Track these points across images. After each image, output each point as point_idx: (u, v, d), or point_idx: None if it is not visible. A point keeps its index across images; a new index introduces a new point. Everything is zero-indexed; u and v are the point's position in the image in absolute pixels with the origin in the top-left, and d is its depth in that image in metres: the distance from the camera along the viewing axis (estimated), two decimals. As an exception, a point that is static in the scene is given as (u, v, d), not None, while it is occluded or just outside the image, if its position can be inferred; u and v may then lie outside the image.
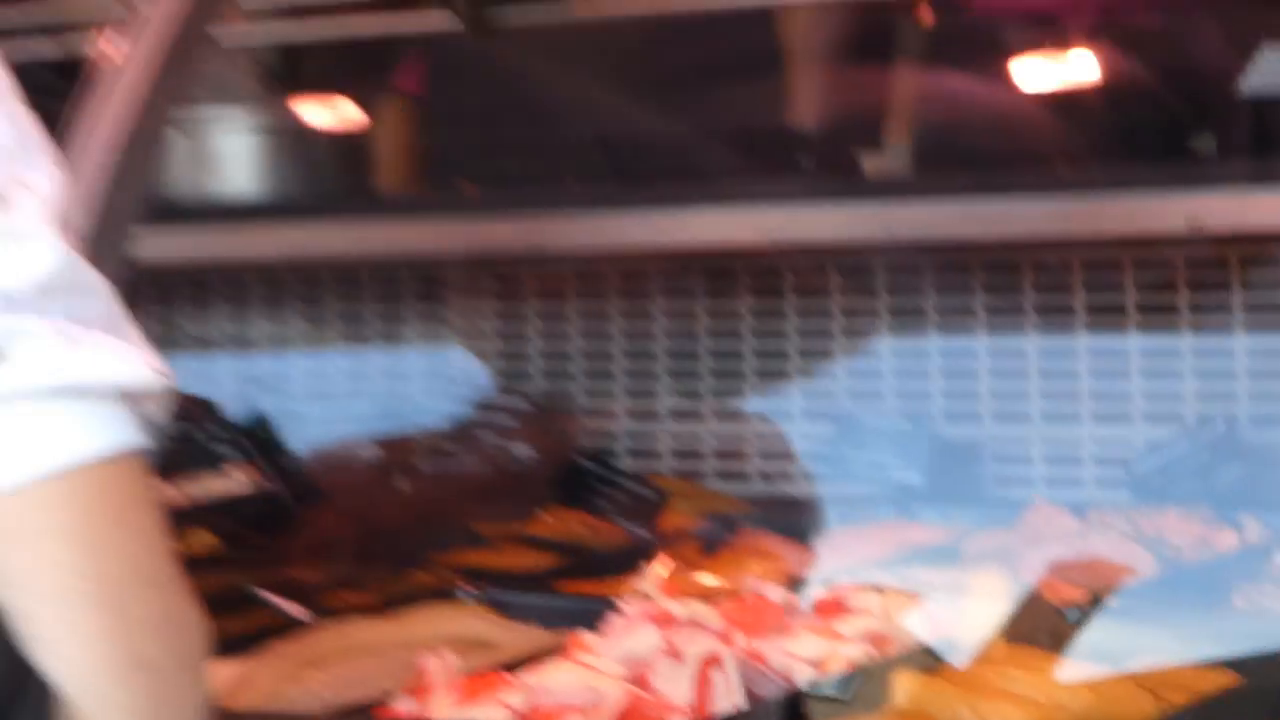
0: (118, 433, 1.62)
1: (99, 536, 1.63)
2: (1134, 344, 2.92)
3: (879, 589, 2.52)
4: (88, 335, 1.62)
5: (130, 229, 2.18)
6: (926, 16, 3.29)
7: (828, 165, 3.12)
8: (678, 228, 2.95)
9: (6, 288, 1.60)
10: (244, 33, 3.00)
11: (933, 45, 3.30)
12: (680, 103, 3.17)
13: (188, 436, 3.20)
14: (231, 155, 3.21)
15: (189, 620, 1.68)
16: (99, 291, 1.66)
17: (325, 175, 3.26)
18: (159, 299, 3.35)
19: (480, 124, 3.30)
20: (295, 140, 3.21)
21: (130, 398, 1.63)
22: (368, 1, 3.04)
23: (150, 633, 1.64)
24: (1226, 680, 2.24)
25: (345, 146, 3.27)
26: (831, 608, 2.47)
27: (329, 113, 3.22)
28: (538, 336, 3.22)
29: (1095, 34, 3.34)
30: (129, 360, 1.64)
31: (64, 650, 1.63)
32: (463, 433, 3.20)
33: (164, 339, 2.54)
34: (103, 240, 2.32)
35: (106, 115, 2.34)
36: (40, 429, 1.60)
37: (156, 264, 1.88)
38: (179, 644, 1.67)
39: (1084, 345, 2.95)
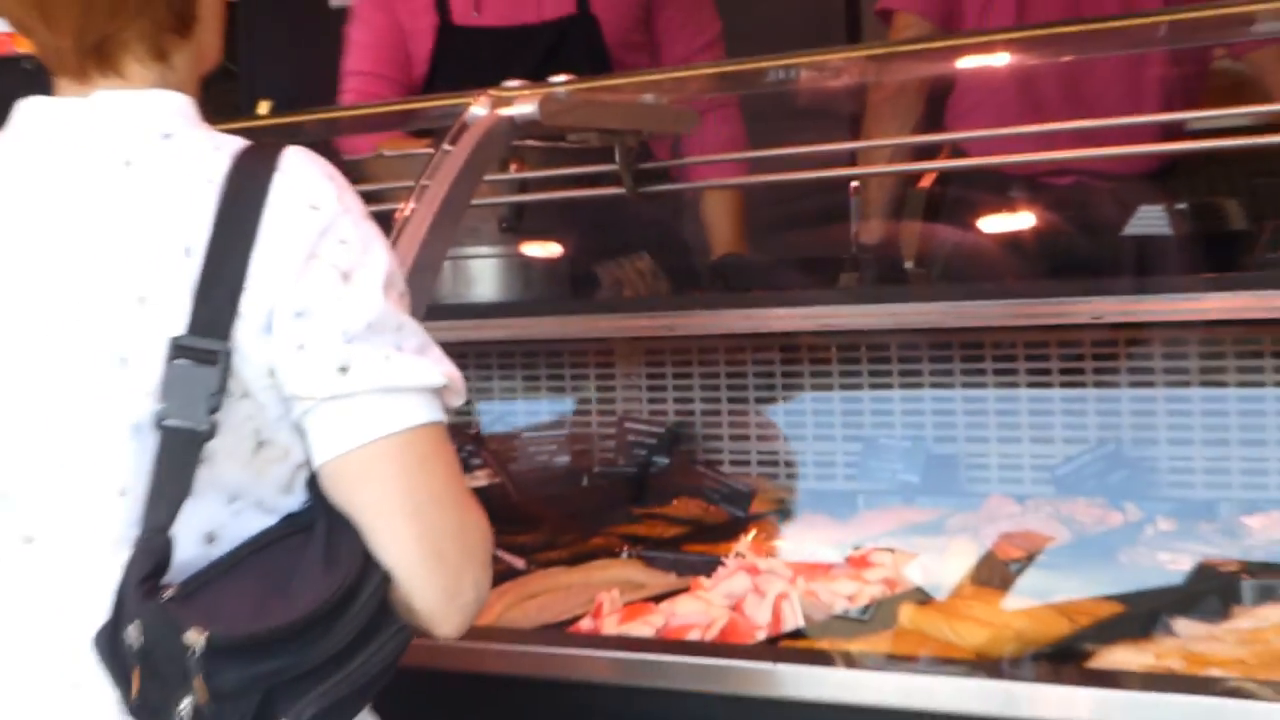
0: (426, 413, 1.67)
1: (413, 475, 1.67)
2: (1056, 394, 2.91)
3: (890, 550, 2.53)
4: (402, 355, 1.66)
5: None
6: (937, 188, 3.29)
7: (859, 278, 3.11)
8: (763, 319, 2.96)
9: (347, 328, 1.64)
10: (486, 196, 3.00)
11: (932, 205, 3.30)
12: (768, 239, 3.16)
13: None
14: (479, 273, 3.19)
15: (474, 532, 1.70)
16: (412, 329, 1.70)
17: (540, 284, 3.25)
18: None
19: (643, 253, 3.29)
20: (520, 264, 3.20)
21: (434, 392, 1.68)
22: (566, 178, 3.04)
23: (445, 537, 1.67)
24: (1116, 608, 2.25)
25: (552, 267, 3.26)
26: (859, 562, 2.47)
27: (540, 246, 3.22)
28: (671, 388, 3.21)
29: (1032, 198, 3.36)
30: (430, 370, 1.68)
31: (391, 548, 1.66)
32: (624, 448, 3.21)
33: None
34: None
35: (401, 246, 2.38)
36: (375, 411, 1.66)
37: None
38: (465, 546, 1.68)
39: (1024, 394, 2.94)
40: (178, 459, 1.62)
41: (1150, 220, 3.29)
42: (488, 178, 2.69)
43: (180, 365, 1.62)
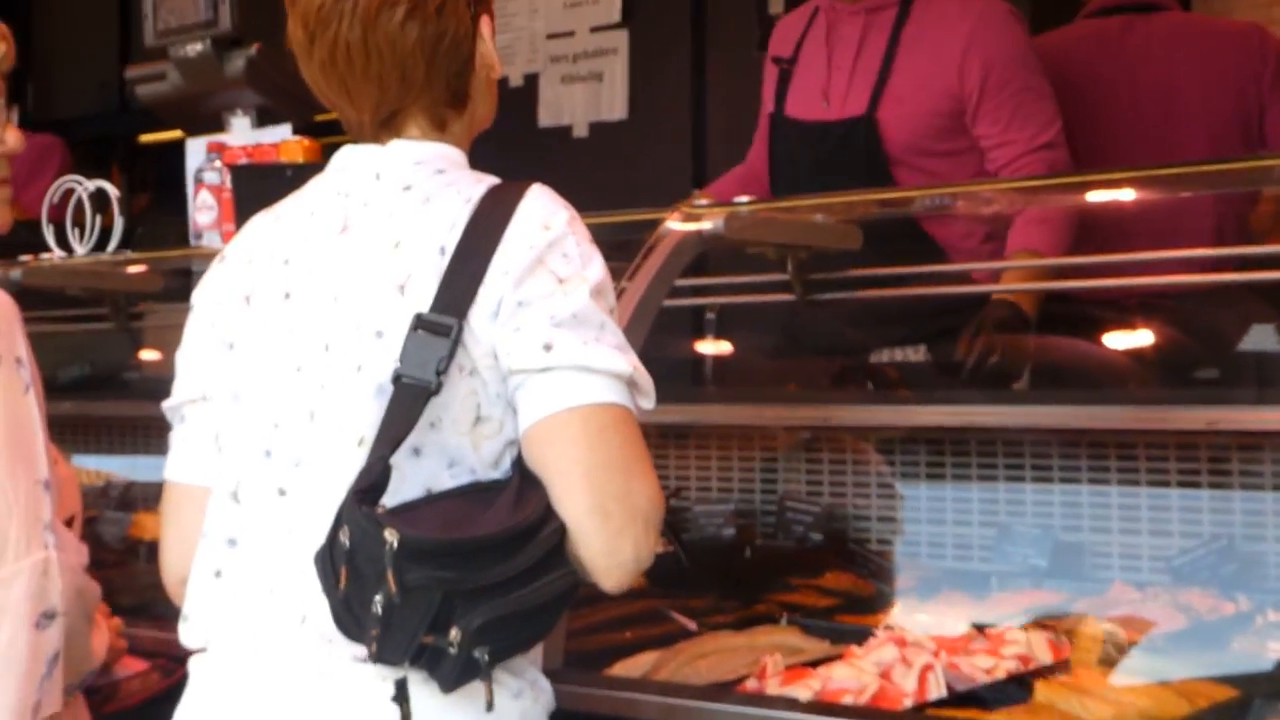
0: (612, 395, 1.75)
1: (592, 442, 1.74)
2: (1174, 491, 2.83)
3: (1024, 628, 2.47)
4: (599, 344, 1.76)
5: None
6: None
7: (992, 383, 3.06)
8: (910, 414, 2.92)
9: (555, 315, 1.75)
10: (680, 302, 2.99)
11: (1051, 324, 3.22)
12: (914, 343, 3.12)
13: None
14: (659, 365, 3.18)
15: (640, 498, 1.73)
16: (613, 330, 1.79)
17: (717, 375, 3.23)
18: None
19: (808, 352, 3.26)
20: (698, 359, 3.18)
21: (624, 382, 1.77)
22: (746, 285, 3.02)
23: (611, 498, 1.72)
24: (1230, 692, 2.17)
25: (729, 361, 3.24)
26: (997, 639, 2.42)
27: (717, 345, 3.19)
28: (827, 472, 3.17)
29: (1149, 311, 3.28)
30: (620, 360, 1.77)
31: (565, 502, 1.73)
32: (785, 522, 3.17)
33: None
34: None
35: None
36: (569, 385, 1.75)
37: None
38: (629, 509, 1.73)
39: (1144, 492, 2.86)
40: (405, 407, 1.72)
41: (1261, 334, 3.21)
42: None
43: (419, 335, 1.74)
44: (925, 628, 2.49)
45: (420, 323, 1.74)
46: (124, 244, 3.58)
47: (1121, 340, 3.32)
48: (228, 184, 3.46)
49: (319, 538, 1.71)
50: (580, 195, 3.76)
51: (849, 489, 3.16)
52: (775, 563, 3.04)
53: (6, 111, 2.15)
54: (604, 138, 5.74)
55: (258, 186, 3.24)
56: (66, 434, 2.05)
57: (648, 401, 1.81)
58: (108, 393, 4.25)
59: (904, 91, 3.38)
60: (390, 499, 1.70)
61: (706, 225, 2.63)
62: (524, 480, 1.76)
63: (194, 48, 3.97)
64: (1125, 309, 3.34)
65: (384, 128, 1.92)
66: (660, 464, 3.34)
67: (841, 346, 3.20)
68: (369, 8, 1.86)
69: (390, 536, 1.63)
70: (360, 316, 1.80)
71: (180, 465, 1.95)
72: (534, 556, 1.69)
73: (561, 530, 1.72)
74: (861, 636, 2.43)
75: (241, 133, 3.67)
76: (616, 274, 2.56)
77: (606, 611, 2.61)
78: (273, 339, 1.85)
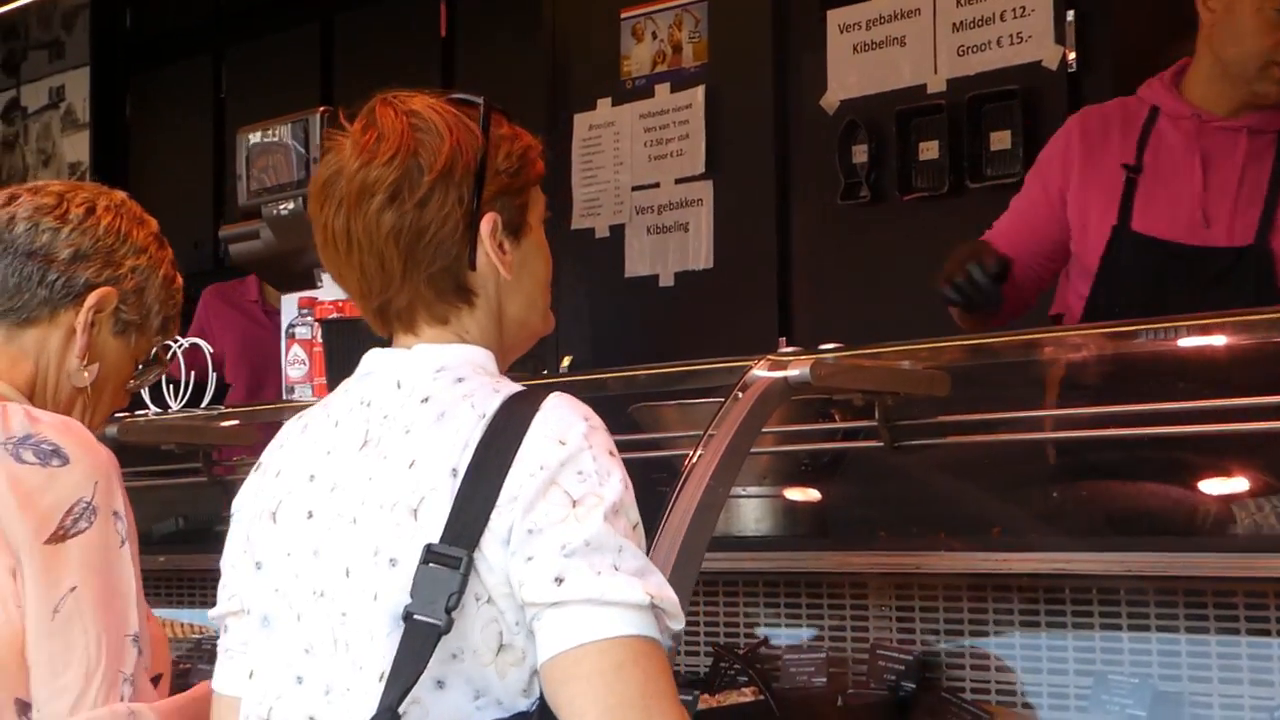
0: (629, 626, 1.66)
1: (608, 680, 1.65)
2: (1276, 640, 2.77)
3: (1123, 780, 2.42)
4: (615, 574, 1.68)
5: (699, 556, 2.14)
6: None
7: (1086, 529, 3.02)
8: (1003, 561, 2.89)
9: (566, 544, 1.68)
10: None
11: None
12: (1016, 489, 3.09)
13: (720, 671, 3.20)
14: (751, 511, 3.18)
15: None
16: (632, 553, 1.71)
17: (804, 523, 3.21)
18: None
19: (892, 501, 3.25)
20: (786, 506, 3.18)
21: (644, 610, 1.68)
22: (833, 429, 3.03)
23: None
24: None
25: (813, 508, 3.23)
26: (1097, 791, 2.38)
27: (803, 491, 3.19)
28: (919, 619, 3.14)
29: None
30: (637, 589, 1.67)
31: None
32: (876, 670, 3.14)
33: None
34: (681, 561, 2.35)
35: (686, 495, 2.37)
36: (583, 619, 1.67)
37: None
38: None
39: (1244, 640, 2.81)
40: (416, 649, 1.67)
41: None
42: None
43: (430, 568, 1.68)
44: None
45: (430, 554, 1.68)
46: (216, 399, 3.64)
47: (1218, 485, 3.28)
48: (319, 338, 3.52)
49: None
50: (666, 344, 3.79)
51: (941, 637, 3.12)
52: (867, 712, 3.00)
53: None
54: (690, 287, 5.79)
55: (348, 340, 3.29)
56: (160, 587, 2.09)
57: (676, 623, 1.72)
58: (201, 545, 4.29)
59: None
60: None
61: (793, 372, 2.63)
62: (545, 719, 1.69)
63: (286, 206, 4.05)
64: (1222, 450, 3.30)
65: (385, 319, 1.89)
66: (750, 611, 3.34)
67: (931, 493, 3.17)
68: (351, 193, 1.83)
69: None
70: (377, 542, 1.74)
71: (223, 677, 1.93)
72: None
73: None
74: (957, 787, 2.39)
75: (332, 288, 3.73)
76: (703, 422, 2.58)
77: (698, 763, 2.59)
78: (297, 561, 1.82)
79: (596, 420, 1.77)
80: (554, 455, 1.71)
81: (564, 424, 1.74)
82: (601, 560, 1.68)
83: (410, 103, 1.86)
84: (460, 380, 1.81)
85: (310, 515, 1.82)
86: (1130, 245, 3.45)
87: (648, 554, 2.31)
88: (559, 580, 1.67)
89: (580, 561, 1.67)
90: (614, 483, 1.73)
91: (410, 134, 1.83)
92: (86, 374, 2.22)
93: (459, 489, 1.71)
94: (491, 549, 1.69)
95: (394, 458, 1.77)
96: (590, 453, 1.73)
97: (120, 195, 2.29)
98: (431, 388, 1.81)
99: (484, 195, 1.84)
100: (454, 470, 1.72)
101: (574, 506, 1.69)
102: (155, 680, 2.05)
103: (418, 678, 1.66)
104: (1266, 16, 3.40)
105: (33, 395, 2.19)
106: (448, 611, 1.66)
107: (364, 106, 1.89)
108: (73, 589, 1.97)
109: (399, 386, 1.83)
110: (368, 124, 1.86)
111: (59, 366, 2.22)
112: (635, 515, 1.75)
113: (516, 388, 1.80)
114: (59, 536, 1.97)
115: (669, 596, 1.70)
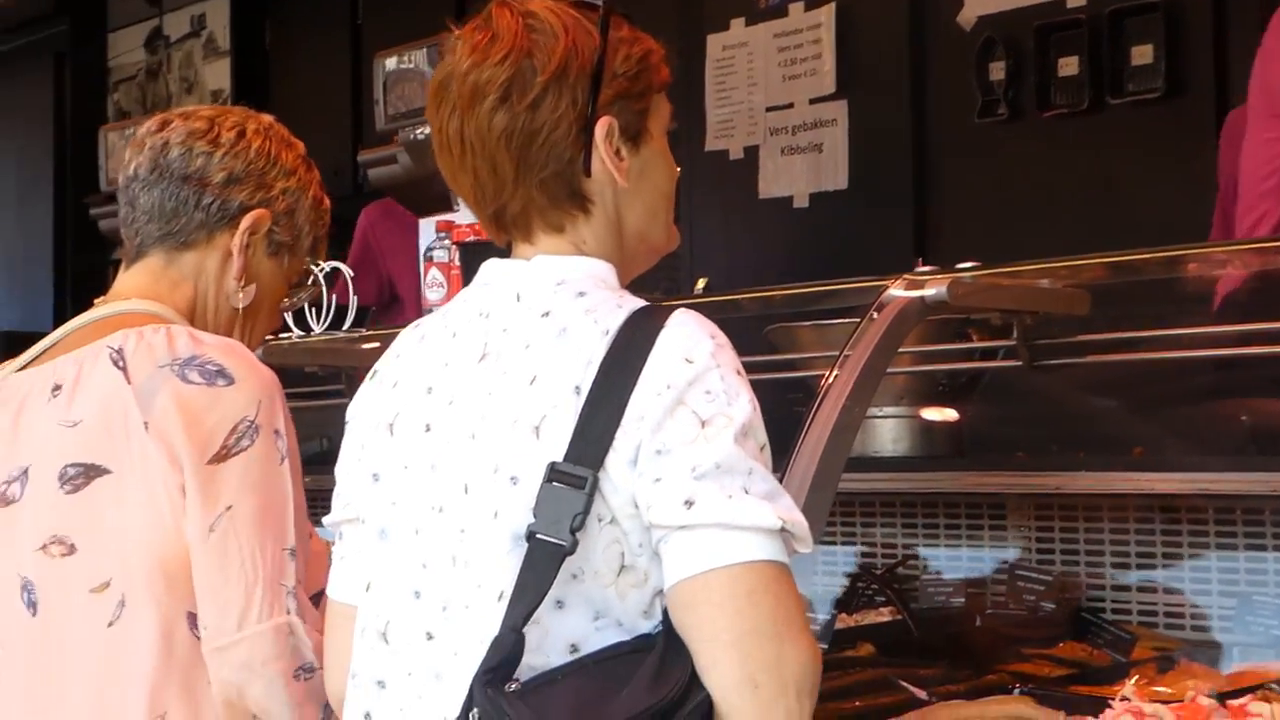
0: (759, 551, 1.63)
1: (739, 606, 1.62)
2: None
3: (1268, 699, 2.39)
4: (746, 497, 1.63)
5: (836, 478, 2.12)
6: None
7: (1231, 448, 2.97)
8: (1145, 481, 2.85)
9: (697, 466, 1.64)
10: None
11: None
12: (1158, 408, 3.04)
13: (858, 591, 3.20)
14: (891, 432, 3.16)
15: (793, 665, 1.61)
16: (762, 475, 1.66)
17: (943, 443, 3.19)
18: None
19: (1032, 422, 3.21)
20: (926, 425, 3.16)
21: (774, 534, 1.64)
22: (971, 349, 3.00)
23: (761, 668, 1.60)
24: None
25: (953, 429, 3.20)
26: (1239, 711, 2.34)
27: (939, 412, 3.16)
28: (1059, 540, 3.12)
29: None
30: (768, 513, 1.63)
31: (711, 672, 1.61)
32: (1016, 591, 3.12)
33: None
34: (818, 483, 2.35)
35: (822, 415, 2.36)
36: (713, 543, 1.63)
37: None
38: (781, 678, 1.60)
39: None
40: (540, 569, 1.64)
41: None
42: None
43: (554, 487, 1.64)
44: (1163, 699, 2.43)
45: (554, 474, 1.65)
46: (358, 322, 3.68)
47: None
48: (456, 261, 3.54)
49: (465, 685, 1.65)
50: (802, 266, 3.77)
51: (1081, 558, 3.10)
52: (1007, 632, 3.00)
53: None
54: (825, 208, 5.75)
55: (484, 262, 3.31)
56: (306, 506, 2.12)
57: (804, 546, 1.68)
58: (343, 467, 4.36)
59: None
60: (534, 656, 1.64)
61: (929, 292, 2.60)
62: (669, 645, 1.64)
63: (422, 130, 4.08)
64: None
65: (500, 228, 1.85)
66: (887, 532, 3.34)
67: (1071, 413, 3.14)
68: (463, 95, 1.80)
69: None
70: (497, 459, 1.71)
71: (338, 584, 1.91)
72: None
73: (704, 707, 1.61)
74: (1097, 707, 2.37)
75: (468, 211, 3.75)
76: (839, 343, 2.57)
77: (835, 681, 2.59)
78: (415, 475, 1.79)
79: (723, 338, 1.72)
80: (681, 374, 1.66)
81: (691, 341, 1.69)
82: (732, 483, 1.64)
83: (528, 4, 1.81)
84: (582, 294, 1.76)
85: (428, 429, 1.79)
86: None
87: (782, 476, 2.32)
88: (689, 503, 1.63)
89: (711, 484, 1.63)
90: (742, 403, 1.68)
91: (524, 34, 1.78)
92: (243, 295, 2.26)
93: (583, 407, 1.67)
94: (617, 469, 1.65)
95: (514, 373, 1.73)
96: (718, 371, 1.68)
97: (268, 119, 2.32)
98: (552, 302, 1.76)
99: (600, 99, 1.79)
100: (577, 388, 1.68)
101: (703, 427, 1.65)
102: (316, 598, 2.08)
103: (541, 599, 1.63)
104: None
105: (193, 318, 2.23)
106: (572, 532, 1.63)
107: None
108: (229, 508, 2.00)
109: (518, 299, 1.78)
110: (482, 25, 1.82)
111: (217, 289, 2.25)
112: (763, 436, 1.70)
113: (640, 303, 1.75)
114: (221, 456, 2.01)
115: (799, 520, 1.66)
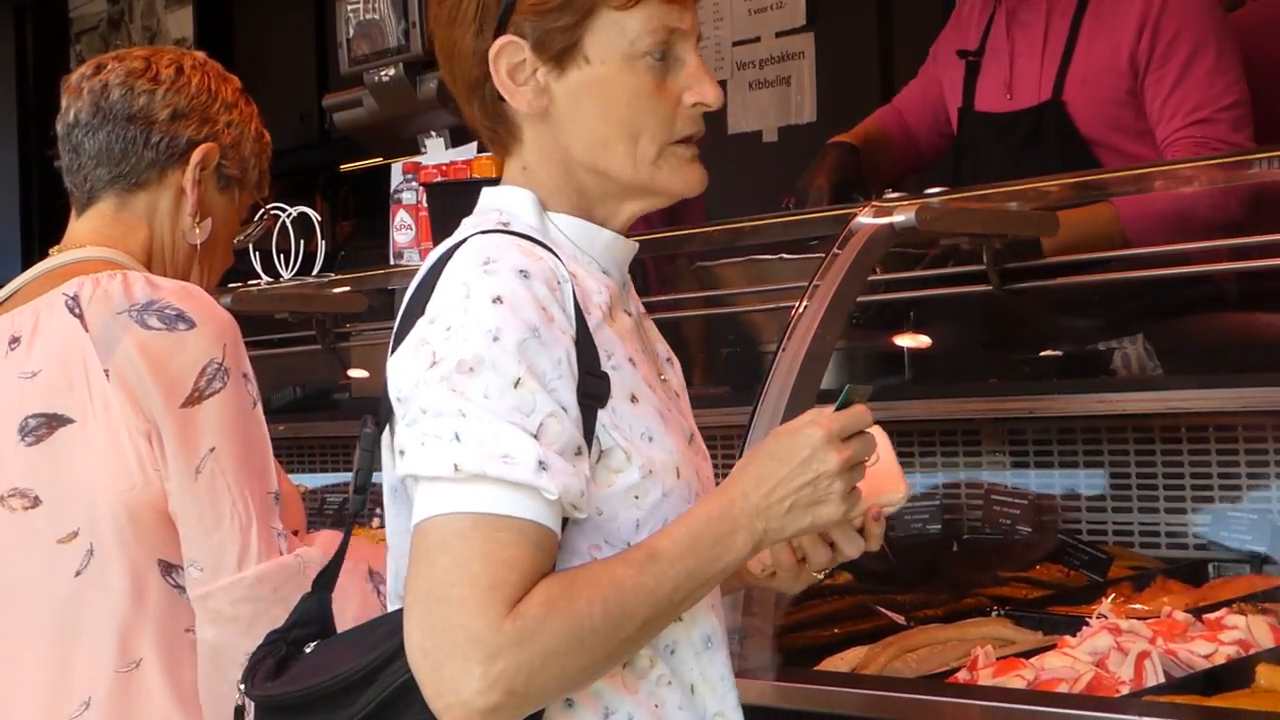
0: (444, 504, 1.49)
1: (419, 565, 1.50)
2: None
3: (1243, 611, 2.40)
4: (437, 443, 1.51)
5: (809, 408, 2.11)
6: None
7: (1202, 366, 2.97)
8: (1114, 402, 2.85)
9: (408, 413, 1.55)
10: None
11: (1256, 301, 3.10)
12: (1127, 328, 3.04)
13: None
14: (859, 362, 3.15)
15: (461, 633, 1.46)
16: (479, 414, 1.50)
17: (915, 371, 3.18)
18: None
19: (1002, 346, 3.20)
20: (894, 353, 3.15)
21: (487, 479, 1.49)
22: (940, 278, 2.99)
23: (430, 632, 1.47)
24: None
25: (925, 356, 3.20)
26: (1215, 624, 2.36)
27: (914, 338, 3.16)
28: (1033, 464, 3.13)
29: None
30: (443, 460, 1.50)
31: (401, 633, 1.51)
32: (991, 515, 3.13)
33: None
34: (790, 413, 2.33)
35: (793, 346, 2.36)
36: (420, 497, 1.52)
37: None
38: (447, 645, 1.46)
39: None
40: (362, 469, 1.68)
41: None
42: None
43: (367, 433, 1.66)
44: (1140, 616, 2.44)
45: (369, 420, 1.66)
46: (327, 268, 3.66)
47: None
48: (424, 203, 3.52)
49: None
50: (772, 199, 3.74)
51: (1056, 480, 3.10)
52: (983, 556, 3.00)
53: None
54: (794, 141, 5.72)
55: (453, 203, 3.29)
56: (281, 454, 2.10)
57: (549, 488, 1.49)
58: (318, 413, 4.35)
59: (1087, 74, 3.30)
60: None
61: (898, 218, 2.59)
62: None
63: (387, 73, 4.04)
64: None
65: (482, 140, 1.75)
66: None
67: (1042, 336, 3.14)
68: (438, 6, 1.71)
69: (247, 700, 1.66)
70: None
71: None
72: (377, 697, 1.53)
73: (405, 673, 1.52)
74: (1074, 627, 2.38)
75: (436, 153, 3.72)
76: (808, 272, 2.55)
77: (813, 609, 2.60)
78: None
79: (500, 263, 1.55)
80: (432, 309, 1.56)
81: (454, 273, 1.56)
82: (430, 428, 1.51)
83: None
84: (461, 226, 1.67)
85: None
86: (968, 125, 3.52)
87: (754, 408, 2.31)
88: (401, 453, 1.54)
89: (415, 431, 1.52)
90: (474, 337, 1.51)
91: None
92: (199, 231, 2.24)
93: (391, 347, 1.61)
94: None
95: (403, 312, 1.65)
96: (465, 303, 1.53)
97: (201, 55, 2.30)
98: (462, 234, 1.65)
99: (513, 12, 1.63)
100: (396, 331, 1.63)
101: (430, 368, 1.53)
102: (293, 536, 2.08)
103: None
104: None
105: (150, 261, 2.21)
106: (356, 490, 1.68)
107: None
108: (212, 449, 1.99)
109: (461, 228, 1.69)
110: None
111: (173, 227, 2.23)
112: (515, 370, 1.50)
113: (470, 232, 1.62)
114: (194, 399, 1.99)
115: (517, 467, 1.48)
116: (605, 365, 1.60)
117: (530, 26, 1.63)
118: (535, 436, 1.50)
